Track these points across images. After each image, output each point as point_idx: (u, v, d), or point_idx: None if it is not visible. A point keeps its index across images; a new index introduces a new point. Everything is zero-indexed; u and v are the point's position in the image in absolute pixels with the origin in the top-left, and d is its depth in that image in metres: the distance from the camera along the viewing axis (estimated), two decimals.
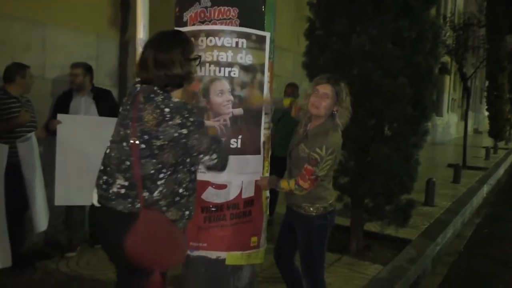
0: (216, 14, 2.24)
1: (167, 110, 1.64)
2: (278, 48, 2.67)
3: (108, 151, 1.78)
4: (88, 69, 3.73)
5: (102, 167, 1.78)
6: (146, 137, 1.65)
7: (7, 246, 2.89)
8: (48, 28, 3.82)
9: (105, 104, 3.77)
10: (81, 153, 3.43)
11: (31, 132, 3.19)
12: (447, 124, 19.88)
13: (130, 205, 1.68)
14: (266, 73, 2.43)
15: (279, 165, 2.85)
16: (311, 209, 2.32)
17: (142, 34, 1.94)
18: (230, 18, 2.25)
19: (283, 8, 6.08)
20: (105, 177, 1.75)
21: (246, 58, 2.30)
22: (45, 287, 3.10)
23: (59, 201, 3.40)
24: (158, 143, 1.64)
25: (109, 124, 3.51)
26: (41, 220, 3.28)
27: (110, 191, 1.71)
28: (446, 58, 12.79)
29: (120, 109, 1.79)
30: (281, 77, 5.73)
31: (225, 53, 2.26)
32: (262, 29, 2.36)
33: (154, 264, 1.73)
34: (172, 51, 1.70)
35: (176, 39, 1.76)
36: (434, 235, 4.63)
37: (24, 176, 3.13)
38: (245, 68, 2.31)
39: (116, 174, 1.71)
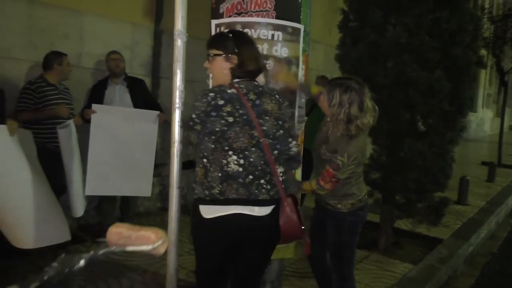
0: (253, 5, 2.22)
1: (277, 96, 1.87)
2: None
3: (241, 162, 1.74)
4: (123, 57, 3.81)
5: (249, 178, 1.76)
6: (280, 122, 1.84)
7: (63, 219, 2.99)
8: (86, 17, 3.90)
9: (139, 93, 3.84)
10: (113, 144, 3.49)
11: (70, 119, 3.26)
12: (482, 120, 19.20)
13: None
14: (301, 66, 2.40)
15: (308, 158, 2.81)
16: (339, 205, 2.28)
17: (180, 25, 1.93)
18: (266, 10, 2.22)
19: (315, 0, 5.98)
20: (262, 181, 1.78)
21: (282, 51, 2.28)
22: (77, 271, 3.20)
23: (89, 191, 3.45)
24: (282, 123, 1.86)
25: (143, 116, 3.63)
26: (79, 205, 3.37)
27: (274, 187, 1.83)
28: (482, 52, 12.27)
29: (230, 119, 1.72)
30: (312, 69, 5.65)
31: (260, 46, 2.22)
32: (298, 21, 2.33)
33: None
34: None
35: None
36: (467, 235, 4.50)
37: (63, 162, 3.22)
38: (280, 61, 2.28)
39: (274, 167, 1.81)
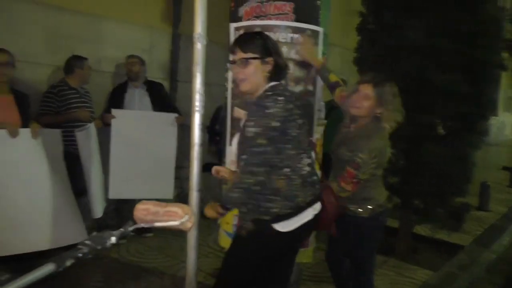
0: (272, 9, 2.23)
1: None
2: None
3: (309, 161, 1.79)
4: (142, 61, 3.87)
5: (312, 177, 1.81)
6: None
7: (79, 220, 3.04)
8: (105, 22, 3.97)
9: (158, 96, 3.89)
10: (134, 147, 3.56)
11: (91, 123, 3.32)
12: (502, 124, 18.78)
13: None
14: None
15: (328, 162, 2.79)
16: (359, 210, 2.24)
17: (200, 28, 1.94)
18: (285, 13, 2.23)
19: (331, 2, 5.93)
20: (315, 177, 1.85)
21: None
22: (97, 272, 3.23)
23: (113, 194, 3.55)
24: None
25: (162, 119, 3.68)
26: (98, 206, 3.42)
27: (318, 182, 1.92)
28: (504, 54, 12.02)
29: (300, 122, 1.73)
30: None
31: None
32: (317, 24, 2.32)
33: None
34: None
35: None
36: (489, 242, 4.40)
37: (83, 164, 3.27)
38: (299, 64, 2.28)
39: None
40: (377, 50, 3.50)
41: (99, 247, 0.92)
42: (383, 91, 2.12)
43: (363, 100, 2.14)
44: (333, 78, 2.40)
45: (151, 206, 1.04)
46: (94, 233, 0.94)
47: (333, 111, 4.31)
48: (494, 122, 16.72)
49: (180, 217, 1.02)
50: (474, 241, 4.41)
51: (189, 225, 1.03)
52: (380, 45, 3.52)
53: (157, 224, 1.01)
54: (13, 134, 2.70)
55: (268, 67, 1.74)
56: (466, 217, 3.87)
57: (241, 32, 2.30)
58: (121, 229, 0.97)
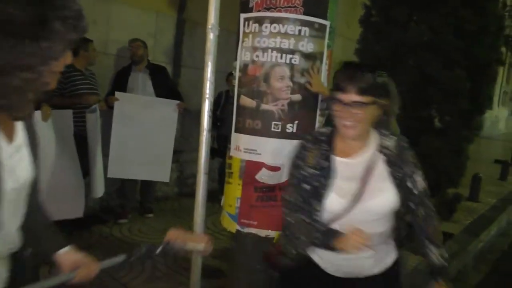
0: (282, 1, 2.29)
1: None
2: None
3: None
4: (145, 44, 3.91)
5: None
6: None
7: (81, 198, 3.14)
8: (113, 5, 4.00)
9: (161, 80, 3.95)
10: (135, 130, 3.66)
11: (96, 104, 3.38)
12: (496, 118, 19.01)
13: None
14: (325, 61, 2.47)
15: None
16: None
17: (213, 19, 2.01)
18: (295, 6, 2.29)
19: None
20: None
21: (308, 46, 2.34)
22: (101, 250, 3.35)
23: (112, 173, 3.65)
24: None
25: (164, 105, 3.76)
26: (100, 186, 3.51)
27: None
28: (501, 49, 12.09)
29: None
30: None
31: (287, 40, 2.30)
32: (325, 18, 2.39)
33: None
34: None
35: None
36: (478, 231, 4.56)
37: (89, 145, 3.35)
38: (305, 56, 2.35)
39: None
40: (382, 44, 3.57)
41: (148, 254, 1.22)
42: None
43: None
44: None
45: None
46: (146, 245, 1.22)
47: None
48: (488, 116, 16.98)
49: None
50: (463, 230, 4.57)
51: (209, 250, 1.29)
52: (386, 38, 3.59)
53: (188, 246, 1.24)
54: None
55: (380, 111, 1.50)
56: (457, 207, 4.01)
57: (251, 22, 2.36)
58: (162, 246, 1.22)
